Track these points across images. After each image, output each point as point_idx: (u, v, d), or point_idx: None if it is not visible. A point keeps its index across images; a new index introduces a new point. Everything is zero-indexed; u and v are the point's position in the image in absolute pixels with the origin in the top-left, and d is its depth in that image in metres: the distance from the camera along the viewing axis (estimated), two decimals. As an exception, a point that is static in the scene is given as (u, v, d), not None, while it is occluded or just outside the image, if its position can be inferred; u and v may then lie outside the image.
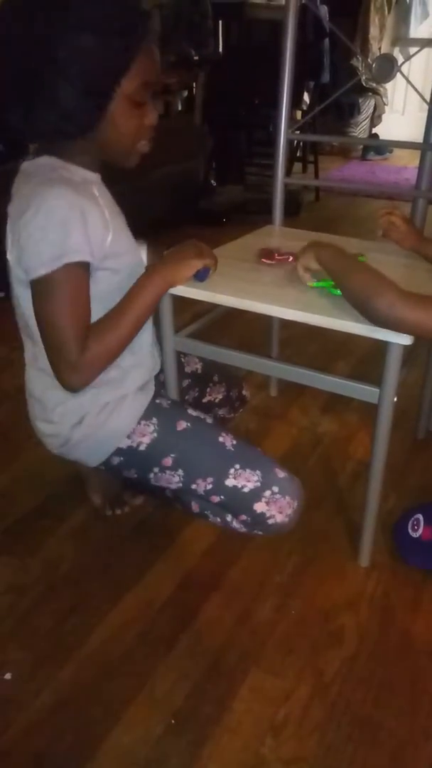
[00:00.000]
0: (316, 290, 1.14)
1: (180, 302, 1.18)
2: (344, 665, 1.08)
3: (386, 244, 1.36)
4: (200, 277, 1.14)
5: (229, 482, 1.13)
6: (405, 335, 0.99)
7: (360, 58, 4.41)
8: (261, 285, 1.18)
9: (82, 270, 0.98)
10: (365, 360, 1.99)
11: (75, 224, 0.94)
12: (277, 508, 1.13)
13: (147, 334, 1.18)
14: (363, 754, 0.96)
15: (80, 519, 1.39)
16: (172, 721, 0.99)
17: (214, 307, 1.28)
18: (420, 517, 1.26)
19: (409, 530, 1.27)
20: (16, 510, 1.42)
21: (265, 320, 1.81)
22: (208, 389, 1.44)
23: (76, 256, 0.95)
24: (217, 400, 1.45)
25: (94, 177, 1.05)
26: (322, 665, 1.08)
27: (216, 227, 3.13)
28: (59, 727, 0.99)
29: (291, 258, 1.27)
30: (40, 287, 0.97)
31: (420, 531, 1.25)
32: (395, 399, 1.07)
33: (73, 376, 1.01)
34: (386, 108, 5.31)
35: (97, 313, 1.03)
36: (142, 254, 1.20)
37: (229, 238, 1.45)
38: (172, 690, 1.04)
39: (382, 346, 1.04)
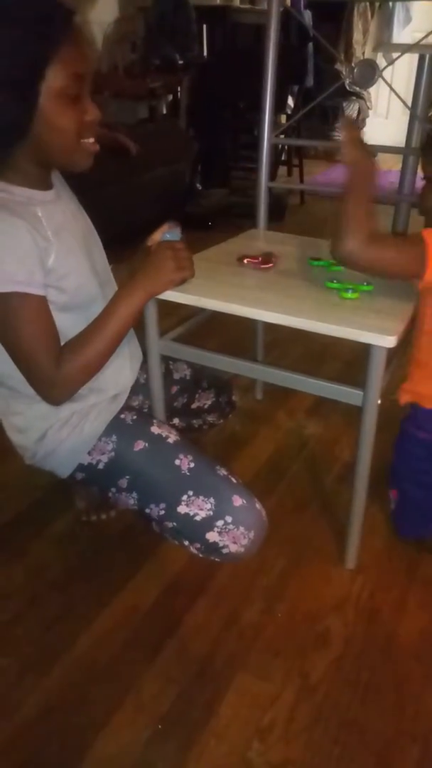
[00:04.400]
0: (301, 293, 1.14)
1: (165, 306, 1.18)
2: (330, 667, 1.09)
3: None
4: None
5: (181, 509, 1.07)
6: (388, 338, 0.99)
7: (343, 63, 4.44)
8: (246, 288, 1.18)
9: (17, 297, 0.94)
10: (350, 363, 2.00)
11: (4, 253, 0.91)
12: (230, 538, 1.07)
13: (129, 341, 1.18)
14: (349, 756, 0.96)
15: (65, 525, 1.39)
16: (159, 727, 0.99)
17: (199, 310, 1.29)
18: (389, 490, 1.33)
19: (390, 509, 1.34)
20: (1, 517, 1.41)
21: (250, 324, 1.81)
22: (197, 395, 1.43)
23: (8, 287, 0.92)
24: (206, 406, 1.45)
25: (42, 195, 1.00)
26: (308, 668, 1.08)
27: (202, 231, 3.13)
28: (45, 734, 0.98)
29: (275, 261, 1.27)
30: None
31: (392, 500, 1.32)
32: (379, 401, 1.08)
33: (51, 391, 1.01)
34: (370, 112, 5.35)
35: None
36: None
37: (215, 241, 1.45)
38: (159, 695, 1.04)
39: (367, 349, 1.04)
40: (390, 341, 1.00)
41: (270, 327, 1.78)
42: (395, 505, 1.32)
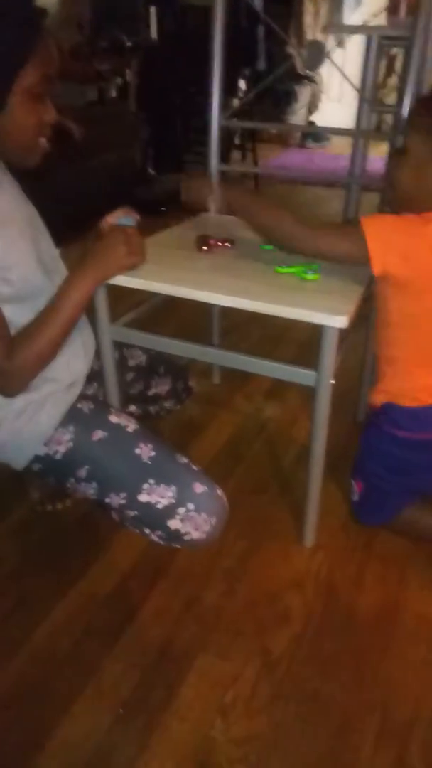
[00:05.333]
0: (254, 276, 1.14)
1: (119, 291, 1.16)
2: (291, 644, 1.10)
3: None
4: None
5: (143, 498, 1.07)
6: (339, 318, 1.00)
7: (295, 46, 4.44)
8: (198, 272, 1.17)
9: None
10: (306, 345, 2.01)
11: None
12: (192, 525, 1.07)
13: (81, 328, 1.16)
14: (311, 729, 0.98)
15: (20, 516, 1.37)
16: (121, 711, 0.99)
17: (152, 296, 1.27)
18: (351, 480, 1.33)
19: (352, 498, 1.33)
20: None
21: (207, 309, 1.81)
22: (153, 381, 1.42)
23: None
24: (162, 392, 1.44)
25: None
26: (269, 645, 1.10)
27: (154, 216, 3.10)
28: (6, 724, 0.97)
29: (228, 245, 1.27)
30: None
31: (356, 491, 1.32)
32: (332, 382, 1.09)
33: (5, 382, 0.99)
34: (323, 96, 5.37)
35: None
36: None
37: (167, 226, 1.44)
38: (120, 681, 1.04)
39: (319, 330, 1.05)
40: (342, 321, 1.01)
41: (227, 312, 1.79)
42: (359, 497, 1.32)
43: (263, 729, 0.97)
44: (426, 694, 1.03)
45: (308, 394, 1.12)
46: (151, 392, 1.42)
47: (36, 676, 1.04)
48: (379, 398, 1.23)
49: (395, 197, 1.13)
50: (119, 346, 1.32)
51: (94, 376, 1.26)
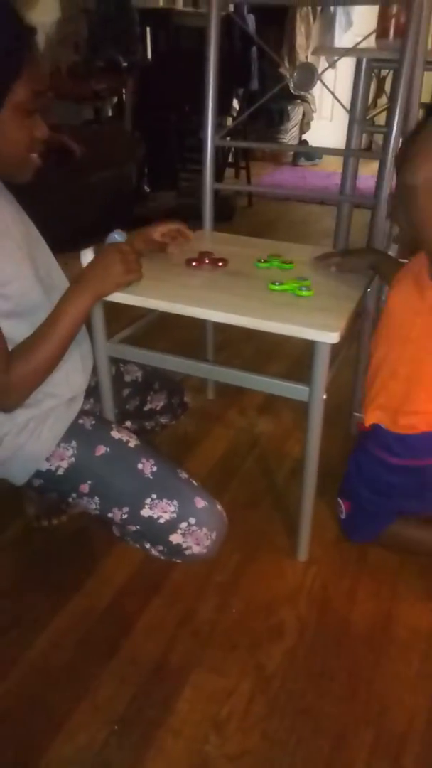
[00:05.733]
0: (247, 292, 1.16)
1: (114, 308, 1.18)
2: (285, 658, 1.11)
3: (316, 248, 1.40)
4: None
5: (145, 512, 1.09)
6: (331, 334, 1.02)
7: (287, 66, 4.50)
8: (193, 289, 1.19)
9: None
10: (299, 361, 2.03)
11: None
12: (194, 539, 1.09)
13: (80, 342, 1.17)
14: (306, 744, 0.98)
15: (16, 531, 1.37)
16: (116, 727, 0.99)
17: (147, 312, 1.29)
18: (339, 500, 1.34)
19: (339, 515, 1.34)
20: None
21: (200, 325, 1.83)
22: (149, 397, 1.43)
23: None
24: (158, 408, 1.45)
25: None
26: (263, 660, 1.10)
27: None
28: (0, 739, 0.97)
29: (221, 263, 1.29)
30: None
31: (343, 510, 1.32)
32: (324, 396, 1.11)
33: (3, 397, 1.00)
34: (314, 115, 5.44)
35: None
36: (88, 260, 1.17)
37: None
38: (115, 696, 1.04)
39: (312, 346, 1.07)
40: (333, 337, 1.03)
41: (220, 328, 1.81)
42: (346, 516, 1.33)
43: (258, 744, 0.98)
44: (419, 707, 1.03)
45: (301, 409, 1.14)
46: (147, 408, 1.43)
47: (31, 692, 1.04)
48: (373, 416, 1.21)
49: (406, 239, 1.14)
50: (115, 362, 1.33)
51: (91, 391, 1.28)
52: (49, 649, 1.11)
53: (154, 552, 1.15)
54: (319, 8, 4.84)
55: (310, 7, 4.82)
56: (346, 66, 1.72)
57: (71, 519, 1.37)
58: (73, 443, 1.11)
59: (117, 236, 1.18)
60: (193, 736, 0.98)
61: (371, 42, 1.75)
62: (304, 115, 5.31)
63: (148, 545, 1.15)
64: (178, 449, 1.64)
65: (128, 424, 1.41)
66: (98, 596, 1.21)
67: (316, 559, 1.31)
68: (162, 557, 1.15)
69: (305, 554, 1.30)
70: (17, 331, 1.02)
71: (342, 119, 5.26)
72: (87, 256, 1.18)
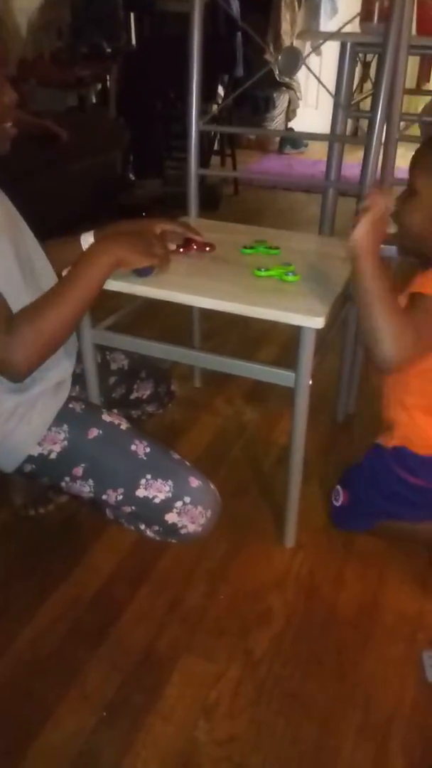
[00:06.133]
0: (233, 278, 1.16)
1: (98, 295, 1.16)
2: (273, 643, 1.11)
3: (302, 234, 1.40)
4: (141, 273, 1.11)
5: (140, 493, 1.10)
6: (316, 320, 1.02)
7: (272, 53, 4.47)
8: (179, 276, 1.18)
9: None
10: (286, 347, 2.03)
11: None
12: (189, 518, 1.10)
13: None
14: (293, 727, 0.99)
15: (3, 521, 1.36)
16: (104, 714, 0.99)
17: (133, 300, 1.28)
18: (338, 487, 1.33)
19: (333, 501, 1.34)
20: None
21: (187, 313, 1.82)
22: (136, 385, 1.43)
23: None
24: (144, 396, 1.45)
25: None
26: (251, 645, 1.11)
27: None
28: (-12, 730, 0.97)
29: (207, 248, 1.28)
30: None
31: (340, 498, 1.32)
32: (310, 382, 1.10)
33: (7, 360, 0.96)
34: (300, 102, 5.41)
35: None
36: (89, 243, 1.17)
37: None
38: (103, 683, 1.04)
39: (297, 332, 1.07)
40: (319, 322, 1.02)
41: (207, 316, 1.81)
42: (341, 505, 1.32)
43: (246, 729, 0.98)
44: (405, 690, 1.04)
45: (288, 397, 1.14)
46: (133, 396, 1.43)
47: (20, 680, 1.04)
48: (391, 442, 1.21)
49: (407, 240, 1.11)
50: (101, 349, 1.32)
51: (76, 378, 1.27)
52: (37, 637, 1.11)
53: (149, 533, 1.16)
54: (304, -6, 4.82)
55: (295, -7, 4.79)
56: (331, 52, 1.71)
57: (58, 508, 1.37)
58: (65, 427, 1.11)
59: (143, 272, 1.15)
60: (182, 722, 0.99)
61: (356, 27, 1.74)
62: (289, 102, 5.28)
63: (143, 526, 1.16)
64: (166, 438, 1.62)
65: (114, 412, 1.40)
66: (86, 584, 1.21)
67: (303, 545, 1.31)
68: (157, 538, 1.16)
69: (292, 540, 1.31)
70: None
71: (327, 107, 5.23)
72: (88, 238, 1.18)
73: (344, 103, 1.72)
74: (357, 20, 1.67)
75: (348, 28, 1.69)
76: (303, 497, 1.26)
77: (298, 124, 5.36)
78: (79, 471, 1.11)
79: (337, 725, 0.99)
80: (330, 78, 1.66)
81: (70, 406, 1.14)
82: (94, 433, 1.12)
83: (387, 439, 1.23)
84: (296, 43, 4.93)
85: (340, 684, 1.05)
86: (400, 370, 1.06)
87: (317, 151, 5.07)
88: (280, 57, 1.54)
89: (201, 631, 1.13)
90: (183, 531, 1.12)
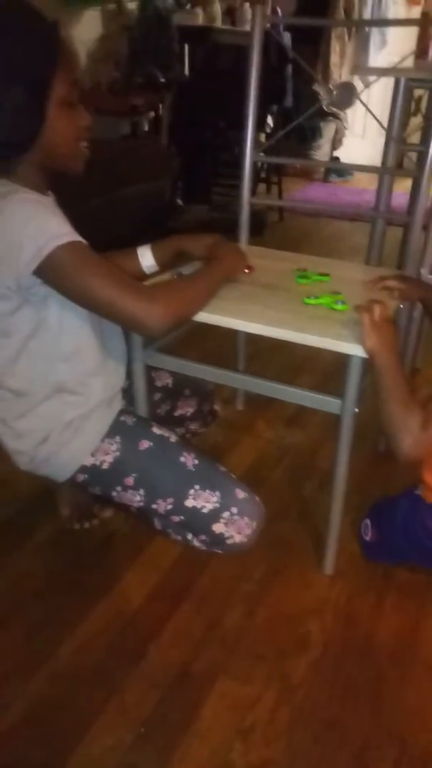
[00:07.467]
0: (283, 305, 1.18)
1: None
2: (310, 669, 1.11)
3: (350, 263, 1.42)
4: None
5: (189, 503, 1.14)
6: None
7: (321, 84, 4.54)
8: (228, 301, 1.21)
9: (81, 244, 0.98)
10: (328, 374, 2.03)
11: (48, 214, 0.97)
12: (235, 528, 1.14)
13: (117, 342, 1.21)
14: (329, 755, 0.98)
15: (49, 533, 1.40)
16: (142, 730, 1.00)
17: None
18: (368, 521, 1.33)
19: (363, 534, 1.34)
20: (-17, 525, 1.42)
21: (232, 336, 1.85)
22: (180, 403, 1.46)
23: (63, 239, 0.95)
24: (188, 414, 1.48)
25: (48, 200, 1.07)
26: (288, 670, 1.11)
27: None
28: (29, 739, 0.99)
29: (247, 270, 1.31)
30: (47, 274, 0.96)
31: (369, 534, 1.32)
32: (356, 410, 1.12)
33: (151, 311, 1.00)
34: (347, 132, 5.47)
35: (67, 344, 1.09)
36: (146, 257, 1.27)
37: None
38: (142, 699, 1.05)
39: (345, 360, 1.08)
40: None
41: (251, 340, 1.83)
42: (369, 540, 1.32)
43: (281, 754, 0.98)
44: (445, 725, 1.03)
45: (329, 422, 1.15)
46: (178, 413, 1.46)
47: (60, 692, 1.06)
48: (430, 498, 1.20)
49: None
50: (148, 368, 1.36)
51: (124, 394, 1.31)
52: (78, 650, 1.13)
53: (195, 542, 1.20)
54: (354, 27, 4.89)
55: (345, 27, 4.87)
56: (378, 84, 1.74)
57: (102, 523, 1.40)
58: (117, 438, 1.16)
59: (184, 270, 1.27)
60: (217, 743, 0.99)
61: (409, 62, 1.78)
62: (336, 131, 5.34)
63: (190, 536, 1.20)
64: (207, 459, 1.65)
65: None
66: (127, 600, 1.23)
67: (342, 572, 1.31)
68: (204, 547, 1.20)
69: (332, 567, 1.30)
70: (79, 325, 1.08)
71: (374, 136, 5.30)
72: (145, 252, 1.27)
73: (396, 136, 1.75)
74: (410, 56, 1.71)
75: (401, 63, 1.72)
76: (342, 525, 1.26)
77: (344, 153, 5.41)
78: (130, 481, 1.16)
79: (374, 756, 0.98)
80: (376, 109, 1.69)
81: (122, 419, 1.19)
82: (145, 444, 1.17)
83: (428, 493, 1.21)
84: (345, 75, 5.01)
85: (378, 715, 1.04)
86: (417, 459, 1.08)
87: (362, 180, 5.10)
88: (335, 91, 1.57)
89: (238, 653, 1.14)
90: (229, 541, 1.15)
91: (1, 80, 0.92)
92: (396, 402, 1.04)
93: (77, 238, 0.98)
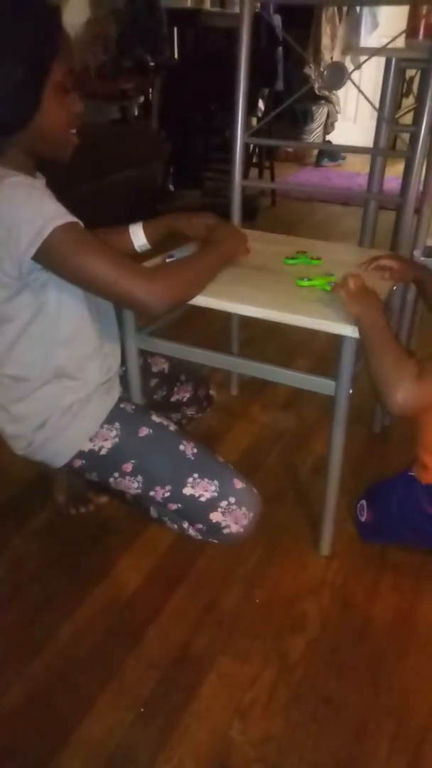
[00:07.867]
0: (276, 288, 1.18)
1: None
2: (308, 649, 1.12)
3: (343, 245, 1.41)
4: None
5: (187, 491, 1.14)
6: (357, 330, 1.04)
7: (312, 67, 4.50)
8: (222, 284, 1.20)
9: (78, 225, 0.98)
10: (323, 357, 2.03)
11: (42, 197, 0.97)
12: (232, 518, 1.14)
13: (112, 326, 1.21)
14: (328, 732, 0.99)
15: (45, 518, 1.40)
16: (142, 710, 1.01)
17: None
18: (363, 502, 1.34)
19: (358, 515, 1.35)
20: (-20, 511, 1.42)
21: (225, 321, 1.84)
22: (176, 388, 1.46)
23: (60, 220, 0.94)
24: (184, 399, 1.48)
25: (39, 183, 1.06)
26: (286, 649, 1.12)
27: (174, 231, 3.16)
28: (29, 720, 1.00)
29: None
30: (47, 257, 0.96)
31: (365, 515, 1.33)
32: (350, 391, 1.12)
33: (150, 288, 0.99)
34: (338, 116, 5.43)
35: (67, 333, 1.08)
36: (138, 236, 1.27)
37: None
38: (141, 680, 1.06)
39: (339, 342, 1.08)
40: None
41: (244, 324, 1.83)
42: (365, 521, 1.33)
43: (280, 731, 0.99)
44: (441, 700, 1.04)
45: (323, 406, 1.15)
46: (174, 398, 1.46)
47: (59, 674, 1.07)
48: (427, 479, 1.20)
49: None
50: (142, 353, 1.35)
51: (120, 380, 1.31)
52: (77, 632, 1.14)
53: (191, 531, 1.20)
54: (345, 9, 4.84)
55: (335, 8, 4.81)
56: (370, 66, 1.73)
57: (98, 509, 1.40)
58: (117, 425, 1.16)
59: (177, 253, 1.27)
60: (217, 721, 1.00)
61: (400, 42, 1.76)
62: (328, 115, 5.30)
63: (186, 524, 1.20)
64: (203, 443, 1.65)
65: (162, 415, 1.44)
66: (124, 584, 1.24)
67: (339, 553, 1.32)
68: (199, 536, 1.20)
69: (328, 548, 1.31)
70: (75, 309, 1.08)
71: (366, 120, 5.27)
72: (137, 230, 1.27)
73: (388, 117, 1.74)
74: (401, 36, 1.69)
75: (392, 44, 1.70)
76: (338, 506, 1.27)
77: (336, 137, 5.38)
78: (128, 467, 1.16)
79: (371, 732, 0.99)
80: (368, 90, 1.67)
81: (122, 406, 1.19)
82: (144, 431, 1.17)
83: (422, 473, 1.21)
84: (336, 57, 4.96)
85: (375, 692, 1.06)
86: (409, 415, 1.07)
87: (354, 164, 5.07)
88: (324, 72, 1.56)
89: (236, 633, 1.15)
90: (225, 531, 1.15)
91: (1, 56, 0.91)
92: (387, 354, 1.02)
93: (74, 219, 0.97)
